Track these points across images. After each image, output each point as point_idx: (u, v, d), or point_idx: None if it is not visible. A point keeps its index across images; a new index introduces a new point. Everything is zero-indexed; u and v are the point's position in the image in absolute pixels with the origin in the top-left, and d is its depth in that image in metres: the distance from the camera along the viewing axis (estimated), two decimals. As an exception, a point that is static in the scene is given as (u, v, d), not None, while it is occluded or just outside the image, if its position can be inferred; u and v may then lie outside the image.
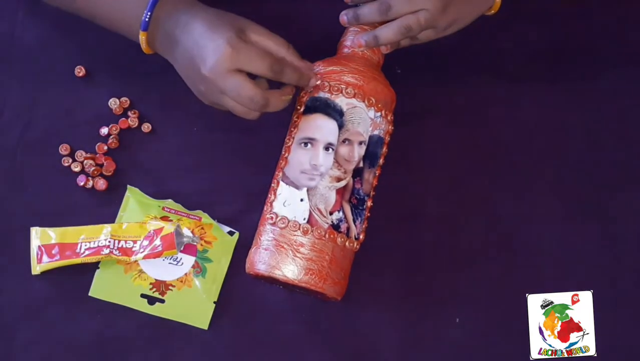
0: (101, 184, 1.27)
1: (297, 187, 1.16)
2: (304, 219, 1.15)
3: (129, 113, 1.29)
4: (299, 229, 1.15)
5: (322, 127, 1.17)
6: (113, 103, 1.29)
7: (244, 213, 1.26)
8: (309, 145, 1.17)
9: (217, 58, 1.12)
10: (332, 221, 1.15)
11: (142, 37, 1.19)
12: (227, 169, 1.29)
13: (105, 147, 1.28)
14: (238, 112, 1.16)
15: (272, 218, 1.16)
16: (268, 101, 1.15)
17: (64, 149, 1.27)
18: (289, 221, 1.15)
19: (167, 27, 1.17)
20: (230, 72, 1.13)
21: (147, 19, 1.17)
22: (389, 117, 1.21)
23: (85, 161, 1.27)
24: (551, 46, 1.35)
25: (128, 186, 1.27)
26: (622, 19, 1.36)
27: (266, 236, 1.16)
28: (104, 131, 1.29)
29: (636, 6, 1.36)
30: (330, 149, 1.16)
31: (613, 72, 1.33)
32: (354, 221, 1.17)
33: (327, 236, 1.15)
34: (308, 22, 1.32)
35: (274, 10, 1.30)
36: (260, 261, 1.16)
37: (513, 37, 1.34)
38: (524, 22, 1.35)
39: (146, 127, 1.29)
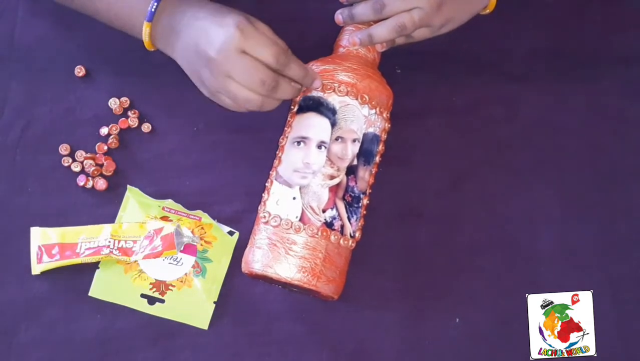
0: (101, 184, 1.27)
1: (290, 185, 1.16)
2: (297, 217, 1.15)
3: (129, 113, 1.30)
4: (292, 227, 1.15)
5: (314, 125, 1.17)
6: (113, 103, 1.30)
7: (244, 213, 1.26)
8: (302, 144, 1.17)
9: (225, 39, 1.12)
10: (325, 219, 1.15)
11: (146, 29, 1.19)
12: (227, 169, 1.29)
13: (106, 147, 1.28)
14: (240, 97, 1.14)
15: (265, 216, 1.16)
16: (278, 84, 1.14)
17: (64, 149, 1.28)
18: (281, 220, 1.15)
19: (172, 18, 1.18)
20: (239, 53, 1.12)
21: (153, 10, 1.18)
22: (384, 115, 1.21)
23: (85, 161, 1.27)
24: (551, 46, 1.34)
25: (128, 186, 1.27)
26: (621, 19, 1.36)
27: (260, 235, 1.16)
28: (104, 131, 1.29)
29: (635, 6, 1.36)
30: (323, 147, 1.16)
31: (613, 72, 1.33)
32: (349, 219, 1.17)
33: (320, 233, 1.15)
34: (306, 22, 1.32)
35: (271, 11, 1.29)
36: (254, 260, 1.16)
37: (513, 37, 1.34)
38: (524, 22, 1.35)
39: (146, 127, 1.29)
